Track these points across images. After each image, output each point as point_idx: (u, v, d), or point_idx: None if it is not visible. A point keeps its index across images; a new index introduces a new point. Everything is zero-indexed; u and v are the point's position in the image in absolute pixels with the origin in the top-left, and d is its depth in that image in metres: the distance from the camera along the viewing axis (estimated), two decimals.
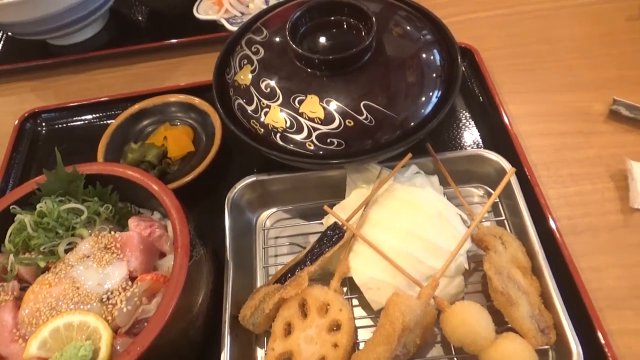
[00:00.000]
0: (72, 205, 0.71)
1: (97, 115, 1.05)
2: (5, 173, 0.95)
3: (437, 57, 0.79)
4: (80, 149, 0.93)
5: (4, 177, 0.95)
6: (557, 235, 0.74)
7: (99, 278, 0.65)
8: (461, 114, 0.95)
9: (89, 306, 0.63)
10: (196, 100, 0.95)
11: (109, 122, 0.99)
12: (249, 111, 0.77)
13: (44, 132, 1.05)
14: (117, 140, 0.93)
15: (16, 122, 1.03)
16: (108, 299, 0.63)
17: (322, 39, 0.78)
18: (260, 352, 0.72)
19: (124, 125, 0.95)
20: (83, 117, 1.05)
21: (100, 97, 1.06)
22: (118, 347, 0.60)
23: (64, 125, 1.05)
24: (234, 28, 1.08)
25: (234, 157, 0.94)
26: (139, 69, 1.15)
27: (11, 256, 0.68)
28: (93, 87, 1.13)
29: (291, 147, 0.73)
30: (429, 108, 0.75)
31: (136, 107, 0.96)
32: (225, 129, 0.90)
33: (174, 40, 1.14)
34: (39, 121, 1.05)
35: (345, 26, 0.78)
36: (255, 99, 0.76)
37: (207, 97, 0.96)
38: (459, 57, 0.78)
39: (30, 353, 0.59)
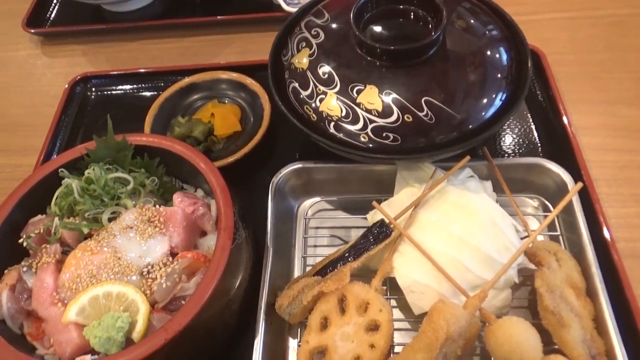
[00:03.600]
0: (119, 174, 0.71)
1: (146, 85, 1.04)
2: (53, 135, 0.96)
3: (505, 57, 0.75)
4: (127, 118, 0.93)
5: (51, 138, 0.95)
6: (616, 257, 0.70)
7: (141, 251, 0.64)
8: (520, 118, 0.91)
9: (128, 278, 0.62)
10: (248, 80, 0.93)
11: (157, 93, 0.98)
12: (304, 96, 0.74)
13: (93, 97, 1.05)
14: (165, 112, 0.93)
15: (66, 85, 1.03)
16: (148, 272, 0.63)
17: (387, 28, 0.75)
18: (292, 343, 0.71)
19: (172, 98, 0.94)
20: (132, 86, 1.05)
21: (150, 67, 1.06)
22: (155, 322, 0.60)
23: (113, 92, 1.05)
24: (290, 9, 1.06)
25: (278, 142, 0.92)
26: (189, 42, 1.14)
27: (56, 219, 0.68)
28: (143, 56, 1.13)
29: (344, 137, 0.71)
30: (492, 110, 0.71)
31: (186, 80, 0.95)
32: (274, 112, 0.88)
33: (227, 17, 1.12)
34: (89, 86, 1.05)
35: (412, 16, 0.75)
36: (312, 84, 0.74)
37: (257, 77, 0.94)
38: (529, 59, 0.74)
39: (68, 318, 0.59)
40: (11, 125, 1.04)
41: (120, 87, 1.05)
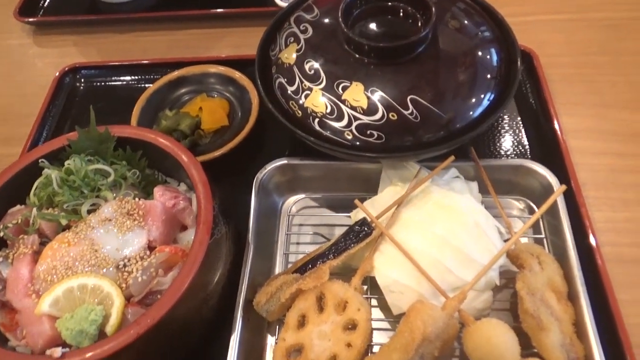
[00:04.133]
0: (99, 166, 0.70)
1: (136, 77, 1.04)
2: (40, 125, 0.95)
3: (495, 57, 0.74)
4: (115, 110, 0.92)
5: (38, 128, 0.95)
6: (599, 261, 0.69)
7: (118, 243, 0.64)
8: (509, 120, 0.90)
9: (104, 270, 0.61)
10: (236, 74, 0.92)
11: (146, 85, 0.97)
12: (290, 92, 0.74)
13: (81, 88, 1.04)
14: (153, 105, 0.92)
15: (56, 74, 1.03)
16: (124, 265, 0.62)
17: (375, 25, 0.74)
18: (270, 340, 0.70)
19: (161, 91, 0.93)
20: (122, 78, 1.04)
21: (141, 59, 1.05)
22: (129, 316, 0.59)
23: (102, 83, 1.04)
24: (284, 4, 1.05)
25: (266, 138, 0.91)
26: (182, 35, 1.13)
27: (34, 210, 0.67)
28: (135, 48, 1.12)
29: (329, 134, 0.70)
30: (479, 110, 0.71)
31: (175, 74, 0.94)
32: (262, 108, 0.87)
33: (220, 10, 1.12)
34: (78, 76, 1.05)
35: (401, 13, 0.74)
36: (298, 79, 0.73)
37: (247, 72, 0.93)
38: (519, 60, 0.73)
39: (42, 310, 0.58)
40: (0, 114, 1.03)
41: (109, 78, 1.04)
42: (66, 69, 1.03)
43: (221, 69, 0.93)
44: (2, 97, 1.07)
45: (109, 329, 0.58)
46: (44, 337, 0.58)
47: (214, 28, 1.13)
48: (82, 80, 1.05)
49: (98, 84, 1.04)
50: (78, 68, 1.04)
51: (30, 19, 1.17)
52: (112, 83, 1.04)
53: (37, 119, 0.96)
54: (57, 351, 0.55)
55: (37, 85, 1.06)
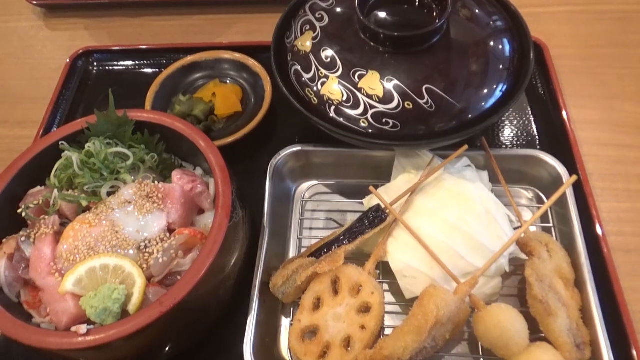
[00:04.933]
0: (119, 149, 0.71)
1: (149, 62, 1.04)
2: (53, 108, 0.96)
3: (508, 49, 0.75)
4: (128, 94, 0.92)
5: (52, 111, 0.96)
6: (605, 250, 0.71)
7: (139, 225, 0.65)
8: (519, 110, 0.91)
9: (125, 251, 0.63)
10: (250, 61, 0.93)
11: (159, 70, 0.98)
12: (305, 79, 0.75)
13: (94, 71, 1.05)
14: (166, 90, 0.93)
15: (68, 59, 1.03)
16: (145, 247, 0.63)
17: (392, 14, 0.75)
18: (284, 322, 0.72)
19: (174, 76, 0.94)
20: (134, 62, 1.05)
21: (153, 44, 1.05)
22: (150, 296, 0.61)
23: (115, 67, 1.05)
24: None
25: (278, 124, 0.93)
26: (193, 20, 1.13)
27: (55, 191, 0.68)
28: (146, 32, 1.12)
29: (344, 121, 0.71)
30: (492, 101, 0.72)
31: (189, 59, 0.95)
32: (275, 94, 0.88)
33: None
34: (91, 60, 1.05)
35: (417, 3, 0.75)
36: (314, 67, 0.74)
37: (260, 58, 0.94)
38: (532, 52, 0.74)
39: (65, 288, 0.60)
40: (11, 97, 1.04)
41: (122, 62, 1.05)
42: (79, 52, 1.04)
43: (235, 56, 0.94)
44: (14, 80, 1.07)
45: (132, 307, 0.60)
46: (68, 315, 0.59)
47: (225, 14, 1.13)
48: (95, 64, 1.05)
49: (110, 67, 1.05)
50: (91, 52, 1.04)
51: (41, 2, 1.17)
52: (125, 67, 1.05)
53: (51, 102, 0.96)
54: (83, 328, 0.56)
55: (48, 69, 1.06)
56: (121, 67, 1.05)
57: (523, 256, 0.69)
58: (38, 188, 0.71)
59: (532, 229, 0.74)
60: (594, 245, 0.71)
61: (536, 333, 0.63)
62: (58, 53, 1.09)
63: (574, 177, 0.70)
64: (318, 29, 0.76)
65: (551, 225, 0.75)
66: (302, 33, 0.78)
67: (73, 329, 0.57)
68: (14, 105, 1.02)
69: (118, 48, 1.05)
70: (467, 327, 0.66)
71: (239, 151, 0.85)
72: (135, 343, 0.59)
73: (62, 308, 0.60)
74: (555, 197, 0.68)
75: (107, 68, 1.05)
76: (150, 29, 1.12)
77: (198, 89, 0.95)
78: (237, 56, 0.94)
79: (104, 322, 0.58)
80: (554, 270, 0.66)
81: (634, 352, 0.64)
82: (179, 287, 0.58)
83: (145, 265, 0.63)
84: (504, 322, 0.60)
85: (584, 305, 0.65)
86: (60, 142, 0.71)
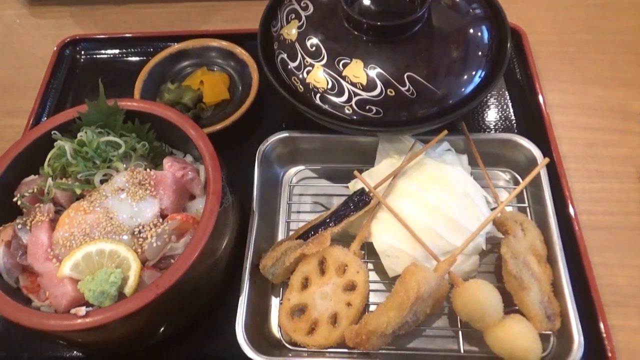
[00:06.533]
0: (110, 138, 0.73)
1: (136, 50, 1.05)
2: (43, 97, 0.97)
3: (486, 36, 0.78)
4: (116, 82, 0.93)
5: (41, 101, 0.96)
6: (576, 228, 0.75)
7: (132, 212, 0.67)
8: (497, 95, 0.94)
9: (120, 237, 0.65)
10: (237, 49, 0.95)
11: (146, 58, 0.99)
12: (292, 67, 0.77)
13: (82, 60, 1.05)
14: (155, 78, 0.94)
15: (55, 47, 1.03)
16: (139, 232, 0.66)
17: (375, 3, 0.77)
18: (274, 301, 0.75)
19: (162, 64, 0.95)
20: (122, 50, 1.05)
21: (140, 32, 1.06)
22: (145, 278, 0.64)
23: (103, 56, 1.06)
24: None
25: (265, 111, 0.95)
26: (179, 7, 1.14)
27: (49, 180, 0.70)
28: (132, 20, 1.13)
29: (329, 108, 0.74)
30: (470, 87, 0.75)
31: (176, 47, 0.96)
32: (262, 82, 0.90)
33: None
34: (78, 49, 1.05)
35: None
36: (300, 55, 0.76)
37: (246, 46, 0.96)
38: (509, 40, 0.77)
39: (63, 273, 0.62)
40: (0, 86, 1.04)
41: (109, 51, 1.06)
42: (66, 40, 1.04)
43: (223, 44, 0.95)
44: (1, 69, 1.07)
45: (128, 290, 0.62)
46: (67, 298, 0.62)
47: (212, 1, 1.14)
48: (82, 52, 1.06)
49: (98, 56, 1.06)
50: (78, 40, 1.05)
51: None
52: (112, 56, 1.05)
53: (40, 91, 0.97)
54: (82, 310, 0.59)
55: (35, 57, 1.07)
56: (109, 55, 1.06)
57: (499, 235, 0.73)
58: (32, 177, 0.72)
59: (509, 209, 0.78)
60: (566, 223, 0.75)
61: (510, 306, 0.67)
62: (44, 41, 1.09)
63: (546, 160, 0.74)
64: (303, 18, 0.78)
65: (526, 205, 0.79)
66: (287, 22, 0.80)
67: (72, 311, 0.59)
68: (2, 95, 1.03)
69: (105, 36, 1.06)
70: (446, 302, 0.70)
71: (227, 138, 0.87)
72: (132, 323, 0.61)
73: (60, 292, 0.62)
74: (528, 178, 0.72)
75: (94, 56, 1.06)
76: (136, 17, 1.13)
77: (186, 77, 0.96)
78: (225, 44, 0.95)
79: (102, 304, 0.61)
80: (528, 248, 0.70)
81: (601, 323, 0.68)
82: (173, 270, 0.61)
83: (139, 250, 0.65)
84: (480, 296, 0.64)
85: (555, 279, 0.70)
86: (52, 132, 0.72)
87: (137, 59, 1.04)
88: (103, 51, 1.06)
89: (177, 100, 0.90)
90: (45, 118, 0.95)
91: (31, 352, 0.74)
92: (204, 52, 0.97)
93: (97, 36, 1.06)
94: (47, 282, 0.64)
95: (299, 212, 0.83)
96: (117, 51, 1.05)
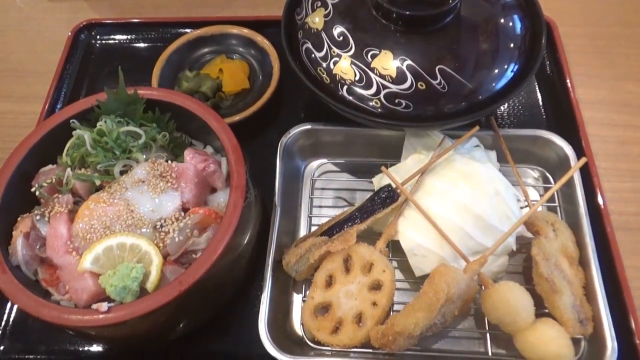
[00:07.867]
0: (130, 128, 0.71)
1: (153, 36, 1.02)
2: (58, 82, 0.95)
3: (519, 27, 0.75)
4: (132, 68, 0.92)
5: (56, 86, 0.94)
6: (609, 229, 0.73)
7: (153, 205, 0.66)
8: (527, 90, 0.91)
9: (141, 230, 0.64)
10: (258, 37, 0.92)
11: (163, 44, 0.96)
12: (317, 57, 0.74)
13: (97, 45, 1.03)
14: (173, 65, 0.92)
15: (70, 32, 1.01)
16: (161, 226, 0.64)
17: None
18: (296, 298, 0.74)
19: (180, 51, 0.93)
20: (138, 36, 1.03)
21: (157, 17, 1.03)
22: (167, 274, 0.62)
23: (118, 41, 1.03)
24: None
25: (286, 101, 0.92)
26: None
27: (68, 170, 0.68)
28: (147, 4, 1.10)
29: (356, 101, 0.72)
30: (503, 82, 0.72)
31: (194, 33, 0.94)
32: (284, 71, 0.88)
33: None
34: (93, 33, 1.03)
35: None
36: (326, 45, 0.73)
37: (266, 33, 0.93)
38: (544, 32, 0.74)
39: (84, 266, 0.61)
40: (13, 70, 1.02)
41: (125, 36, 1.03)
42: (81, 25, 1.01)
43: (244, 31, 0.93)
44: (14, 54, 1.05)
45: (149, 285, 0.61)
46: (87, 292, 0.60)
47: None
48: (97, 37, 1.03)
49: (114, 41, 1.03)
50: (93, 24, 1.02)
51: None
52: (128, 41, 1.03)
53: (54, 76, 0.95)
54: (104, 306, 0.57)
55: (50, 42, 1.04)
56: (125, 41, 1.03)
57: (528, 234, 0.71)
58: (49, 166, 0.71)
59: (539, 208, 0.76)
60: (598, 224, 0.73)
61: (541, 309, 0.65)
62: (58, 25, 1.07)
63: (584, 160, 0.71)
64: (330, 6, 0.75)
65: (557, 204, 0.77)
66: (313, 10, 0.77)
67: (94, 306, 0.58)
68: (16, 80, 1.01)
69: (121, 21, 1.03)
70: (474, 303, 0.68)
71: (247, 129, 0.84)
72: (154, 319, 0.60)
73: (81, 286, 0.61)
74: (564, 178, 0.70)
75: (110, 42, 1.03)
76: (152, 1, 1.10)
77: (204, 64, 0.94)
78: (246, 32, 0.93)
79: (124, 299, 0.59)
80: (560, 249, 0.68)
81: (634, 327, 0.66)
82: (196, 266, 0.59)
83: (161, 244, 0.63)
84: (512, 299, 0.62)
85: (587, 282, 0.67)
86: (71, 120, 0.70)
87: (154, 44, 1.01)
88: (119, 36, 1.03)
89: (196, 89, 0.88)
90: (61, 104, 0.93)
91: (48, 345, 0.73)
92: (223, 39, 0.94)
93: (113, 21, 1.03)
94: (67, 276, 0.62)
95: (320, 206, 0.81)
96: (133, 36, 1.03)
